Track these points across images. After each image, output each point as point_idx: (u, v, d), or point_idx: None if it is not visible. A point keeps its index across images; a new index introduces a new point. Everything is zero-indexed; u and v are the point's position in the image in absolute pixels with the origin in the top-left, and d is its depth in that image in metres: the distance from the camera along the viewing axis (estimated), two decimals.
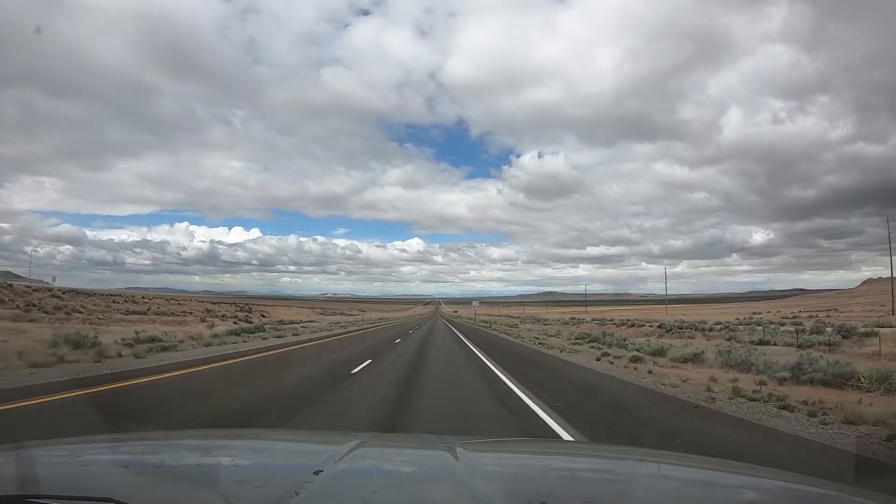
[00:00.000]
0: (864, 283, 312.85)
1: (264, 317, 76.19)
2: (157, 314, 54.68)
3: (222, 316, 62.39)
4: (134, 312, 54.02)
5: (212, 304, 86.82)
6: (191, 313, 62.02)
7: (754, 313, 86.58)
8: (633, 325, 56.38)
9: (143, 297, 71.43)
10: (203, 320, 55.12)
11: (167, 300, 75.46)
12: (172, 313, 58.34)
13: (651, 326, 52.23)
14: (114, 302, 54.76)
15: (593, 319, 74.62)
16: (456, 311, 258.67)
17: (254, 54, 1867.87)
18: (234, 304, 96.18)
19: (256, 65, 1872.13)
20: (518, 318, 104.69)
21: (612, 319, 70.59)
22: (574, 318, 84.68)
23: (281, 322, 57.73)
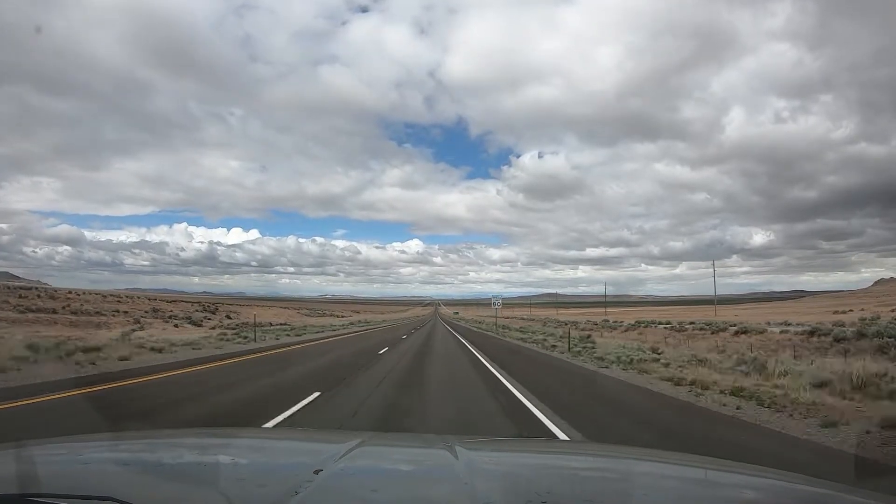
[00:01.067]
0: (876, 282, 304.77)
1: (230, 318, 65.86)
2: (74, 313, 44.52)
3: (169, 317, 52.15)
4: (39, 310, 43.67)
5: (168, 302, 76.49)
6: (126, 313, 51.83)
7: (834, 312, 71.09)
8: (743, 331, 34.85)
9: (71, 294, 61.45)
10: (137, 321, 44.75)
11: (104, 297, 65.22)
12: (98, 313, 48.11)
13: (789, 333, 31.25)
14: (20, 297, 44.91)
15: (640, 322, 55.64)
16: (457, 313, 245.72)
17: (250, 51, 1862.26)
18: (199, 303, 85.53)
19: (253, 62, 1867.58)
20: (538, 321, 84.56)
21: (674, 323, 46.87)
22: (607, 321, 64.17)
23: (244, 326, 47.24)
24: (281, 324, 56.69)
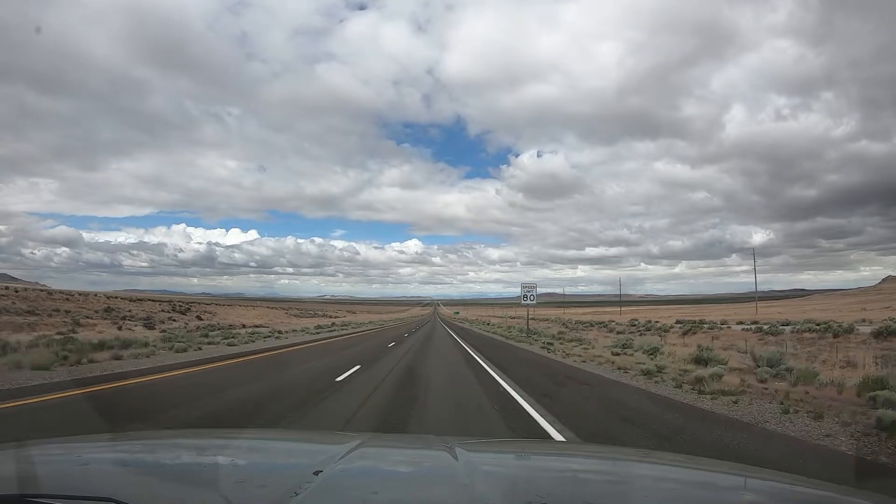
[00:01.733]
0: (884, 280, 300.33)
1: (201, 319, 59.68)
2: (9, 312, 38.65)
3: (123, 318, 46.12)
4: None
5: (132, 301, 70.19)
6: (68, 312, 45.81)
7: None
8: (888, 333, 26.83)
9: (7, 290, 55.23)
10: (77, 322, 38.73)
11: (50, 294, 58.81)
12: (32, 312, 42.25)
13: None
14: None
15: (683, 323, 43.83)
16: (457, 313, 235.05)
17: (247, 49, 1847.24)
18: (170, 302, 78.69)
19: (250, 60, 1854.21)
20: (552, 321, 71.66)
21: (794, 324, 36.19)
22: (645, 322, 49.87)
23: (210, 328, 41.02)
24: (256, 326, 50.40)
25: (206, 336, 27.88)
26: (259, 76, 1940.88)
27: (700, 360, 15.19)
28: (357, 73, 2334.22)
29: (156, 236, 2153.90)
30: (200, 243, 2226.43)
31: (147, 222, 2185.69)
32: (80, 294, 64.28)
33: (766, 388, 11.43)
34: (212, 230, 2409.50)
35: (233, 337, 28.50)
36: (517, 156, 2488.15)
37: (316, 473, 1.50)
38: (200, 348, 20.90)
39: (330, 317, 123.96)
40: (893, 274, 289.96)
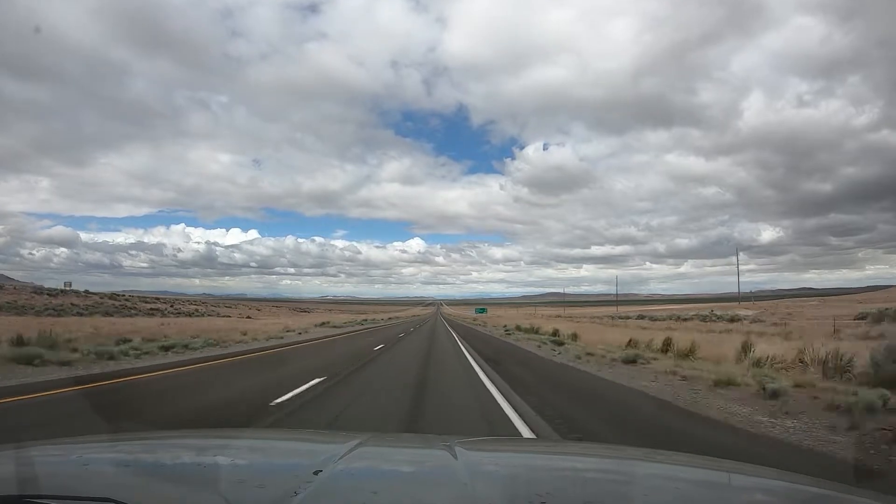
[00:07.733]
0: None
1: None
2: None
3: None
4: None
5: None
6: None
7: None
8: None
9: None
10: None
11: None
12: None
13: None
14: None
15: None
16: (484, 310, 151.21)
17: (230, 25, 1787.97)
18: None
19: (234, 39, 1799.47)
20: (597, 321, 57.75)
21: None
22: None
23: None
24: None
25: None
26: (246, 58, 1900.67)
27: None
28: (351, 52, 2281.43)
29: (155, 236, 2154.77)
30: (199, 243, 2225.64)
31: (146, 222, 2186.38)
32: None
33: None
34: (211, 230, 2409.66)
35: None
36: (522, 148, 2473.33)
37: (316, 473, 1.51)
38: None
39: (258, 317, 77.98)
40: None
